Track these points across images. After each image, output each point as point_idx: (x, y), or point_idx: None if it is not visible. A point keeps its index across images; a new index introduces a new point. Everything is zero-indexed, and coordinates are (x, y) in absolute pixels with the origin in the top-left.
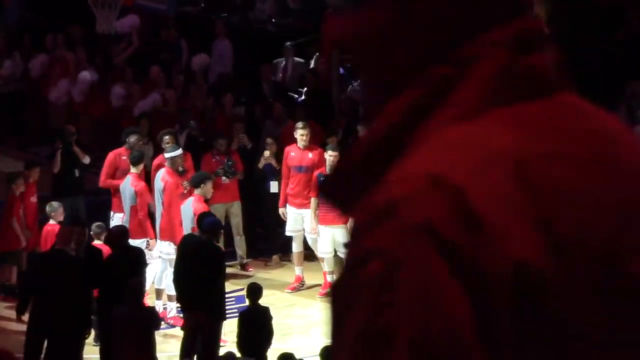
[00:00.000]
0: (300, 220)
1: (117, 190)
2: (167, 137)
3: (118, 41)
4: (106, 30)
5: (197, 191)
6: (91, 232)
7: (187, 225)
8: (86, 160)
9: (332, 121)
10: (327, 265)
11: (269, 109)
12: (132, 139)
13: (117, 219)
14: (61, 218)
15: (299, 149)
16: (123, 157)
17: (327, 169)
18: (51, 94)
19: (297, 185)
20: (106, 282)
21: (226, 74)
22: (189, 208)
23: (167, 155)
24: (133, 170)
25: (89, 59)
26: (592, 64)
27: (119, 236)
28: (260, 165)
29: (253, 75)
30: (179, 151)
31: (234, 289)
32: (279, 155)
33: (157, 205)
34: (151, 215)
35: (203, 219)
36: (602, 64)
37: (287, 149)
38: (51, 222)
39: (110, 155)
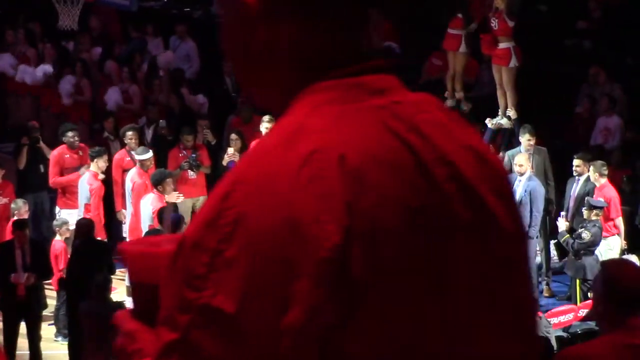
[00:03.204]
0: None
1: (64, 187)
2: (130, 132)
3: (80, 37)
4: (69, 26)
5: (156, 189)
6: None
7: (145, 222)
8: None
9: None
10: None
11: (232, 104)
12: (67, 136)
13: (64, 214)
14: (26, 215)
15: None
16: (66, 155)
17: None
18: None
19: None
20: (73, 277)
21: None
22: (148, 206)
23: (137, 157)
24: (92, 167)
25: (50, 55)
26: (554, 55)
27: (86, 229)
28: (225, 162)
29: (216, 70)
30: (149, 154)
31: None
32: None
33: (127, 205)
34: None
35: (164, 214)
36: (563, 54)
37: (257, 140)
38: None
39: (54, 153)
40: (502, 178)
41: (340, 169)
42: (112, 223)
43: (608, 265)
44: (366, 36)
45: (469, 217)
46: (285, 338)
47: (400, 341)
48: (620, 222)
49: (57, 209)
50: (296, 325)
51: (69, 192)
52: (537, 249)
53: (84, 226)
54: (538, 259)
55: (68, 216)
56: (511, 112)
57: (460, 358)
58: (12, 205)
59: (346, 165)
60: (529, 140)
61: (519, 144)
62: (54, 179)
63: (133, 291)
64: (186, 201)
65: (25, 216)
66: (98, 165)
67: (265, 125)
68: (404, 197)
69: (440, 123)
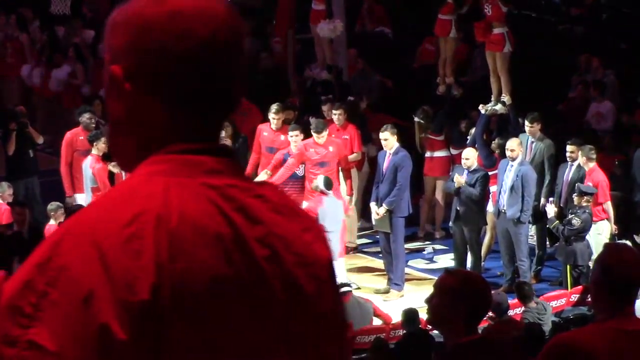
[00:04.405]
0: None
1: (76, 171)
2: None
3: (72, 22)
4: (61, 10)
5: None
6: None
7: None
8: (40, 140)
9: (287, 99)
10: None
11: None
12: (84, 117)
13: (76, 199)
14: (10, 199)
15: (272, 130)
16: (80, 137)
17: (293, 149)
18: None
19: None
20: None
21: None
22: None
23: None
24: (93, 151)
25: (42, 40)
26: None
27: None
28: None
29: None
30: None
31: None
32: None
33: None
34: None
35: None
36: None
37: (259, 127)
38: (0, 201)
39: (68, 136)
40: (323, 264)
41: (157, 231)
42: None
43: (606, 251)
44: (217, 121)
45: (284, 296)
46: None
47: None
48: (608, 206)
49: None
50: None
51: (76, 179)
52: (531, 233)
53: (74, 212)
54: (531, 244)
55: (81, 200)
56: (505, 98)
57: None
58: None
59: (164, 229)
60: (530, 127)
61: (513, 130)
62: (64, 166)
63: None
64: None
65: (10, 200)
66: (98, 147)
67: (271, 116)
68: (216, 265)
69: (273, 209)
